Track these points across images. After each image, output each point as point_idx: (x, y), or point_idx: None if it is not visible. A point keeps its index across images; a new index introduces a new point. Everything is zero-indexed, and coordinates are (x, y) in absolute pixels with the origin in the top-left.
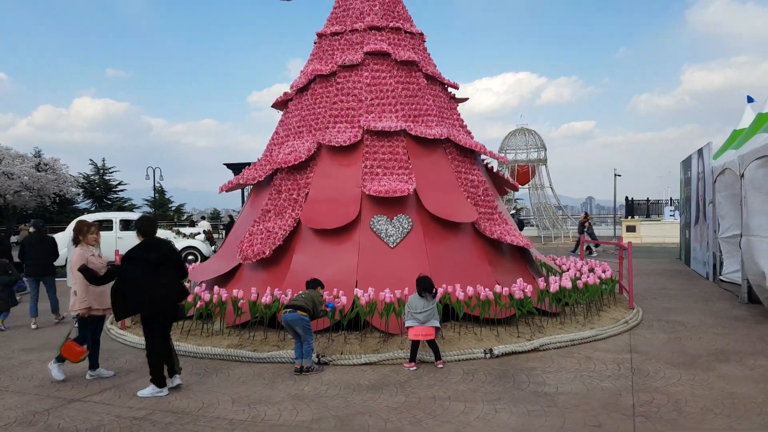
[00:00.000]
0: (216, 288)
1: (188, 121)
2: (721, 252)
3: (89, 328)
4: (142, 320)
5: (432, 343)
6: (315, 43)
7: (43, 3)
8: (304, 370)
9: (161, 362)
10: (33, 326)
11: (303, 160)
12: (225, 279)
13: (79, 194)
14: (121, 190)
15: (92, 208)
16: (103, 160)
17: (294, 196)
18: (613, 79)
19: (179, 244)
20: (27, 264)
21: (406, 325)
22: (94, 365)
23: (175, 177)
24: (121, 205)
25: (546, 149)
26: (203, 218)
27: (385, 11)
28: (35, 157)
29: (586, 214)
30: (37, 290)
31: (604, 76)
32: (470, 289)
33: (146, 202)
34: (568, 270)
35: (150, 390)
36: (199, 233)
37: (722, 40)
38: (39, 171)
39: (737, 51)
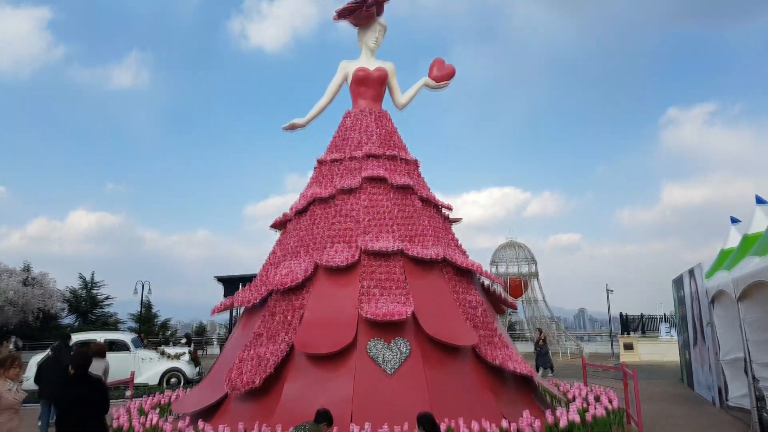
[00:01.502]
0: (200, 423)
1: (181, 233)
2: (724, 375)
3: None
4: None
5: None
6: (315, 168)
7: (49, 119)
8: None
9: None
10: None
11: (299, 281)
12: (210, 411)
13: (63, 309)
14: (108, 305)
15: (76, 324)
16: (92, 274)
17: (288, 318)
18: (595, 193)
19: (162, 365)
20: (41, 387)
21: None
22: None
23: (165, 288)
24: (106, 321)
25: (536, 263)
26: (187, 336)
27: (381, 141)
28: (23, 271)
29: (540, 330)
30: (49, 414)
31: (586, 191)
32: (475, 425)
33: (132, 317)
34: (573, 399)
35: None
36: (184, 353)
37: (698, 159)
38: (26, 285)
39: (713, 169)
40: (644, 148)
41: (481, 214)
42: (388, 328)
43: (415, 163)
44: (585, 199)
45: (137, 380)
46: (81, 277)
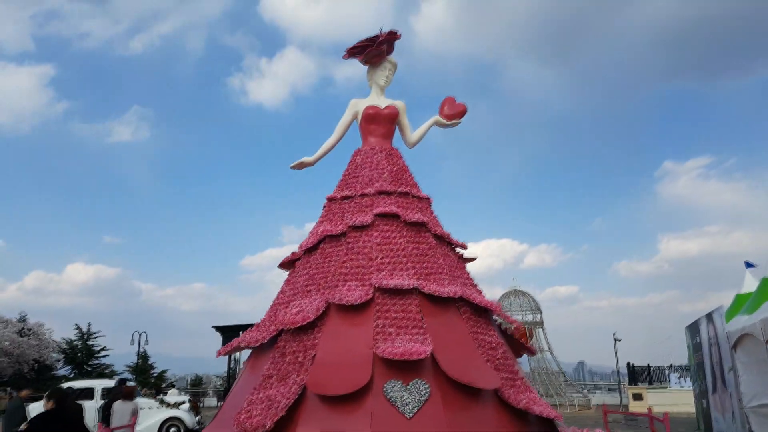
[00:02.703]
0: None
1: (178, 285)
2: (749, 422)
3: None
4: None
5: None
6: (324, 206)
7: (48, 172)
8: None
9: None
10: None
11: (311, 320)
12: None
13: (59, 360)
14: (104, 356)
15: (71, 375)
16: (89, 325)
17: (299, 359)
18: (591, 246)
19: (161, 414)
20: None
21: None
22: None
23: (161, 341)
24: (102, 372)
25: (541, 311)
26: (173, 385)
27: (393, 178)
28: (19, 321)
29: None
30: None
31: (582, 244)
32: None
33: (128, 368)
34: None
35: None
36: (183, 402)
37: (693, 211)
38: (21, 336)
39: (709, 221)
40: (640, 200)
41: (479, 264)
42: (405, 369)
43: (428, 200)
44: (581, 252)
45: (137, 429)
46: (77, 327)
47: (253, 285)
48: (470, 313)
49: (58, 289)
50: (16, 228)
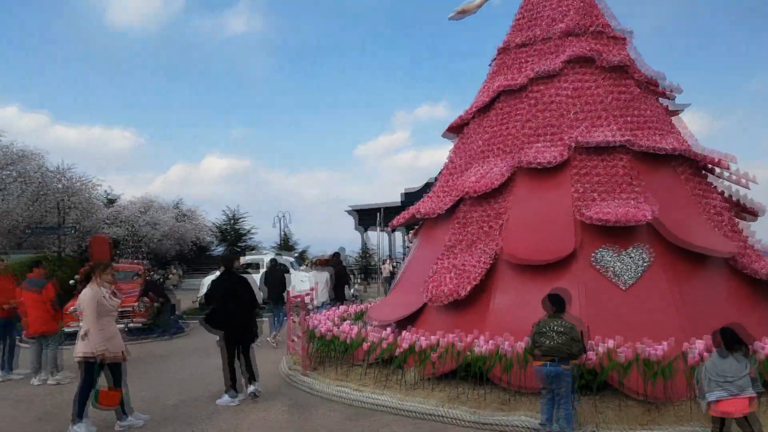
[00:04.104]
0: (408, 332)
1: (301, 173)
2: None
3: (99, 373)
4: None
5: (750, 420)
6: (494, 59)
7: (175, 69)
8: None
9: (234, 374)
10: (272, 342)
11: (495, 186)
12: (403, 323)
13: (212, 242)
14: (250, 238)
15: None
16: (237, 207)
17: (485, 228)
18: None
19: None
20: (269, 291)
21: (712, 397)
22: (125, 413)
23: (292, 226)
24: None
25: None
26: (390, 258)
27: (581, 15)
28: (175, 208)
29: None
30: (277, 312)
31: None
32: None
33: (273, 247)
34: None
35: (226, 399)
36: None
37: None
38: (178, 221)
39: None
40: None
41: None
42: (617, 236)
43: (624, 41)
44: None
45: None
46: (227, 209)
47: (369, 172)
48: (689, 173)
49: (199, 179)
50: (156, 126)
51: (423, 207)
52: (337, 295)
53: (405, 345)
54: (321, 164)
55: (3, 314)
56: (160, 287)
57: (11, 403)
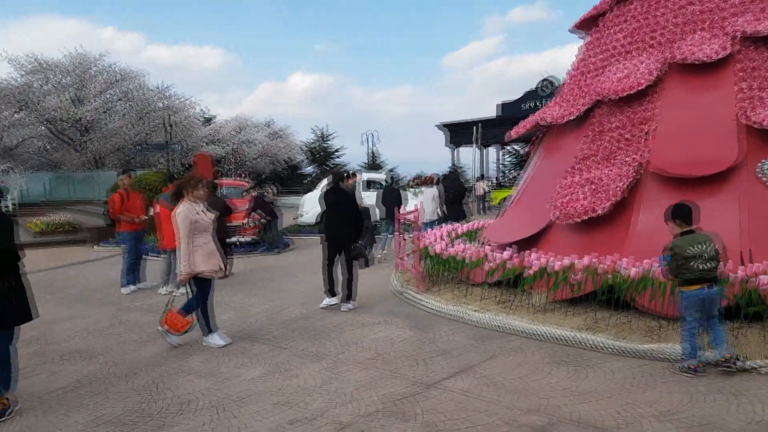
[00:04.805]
0: (536, 253)
1: (386, 89)
2: None
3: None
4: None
5: None
6: None
7: None
8: (729, 363)
9: (332, 278)
10: (380, 258)
11: (642, 87)
12: (526, 243)
13: (303, 161)
14: (339, 156)
15: (314, 173)
16: (326, 126)
17: (627, 136)
18: None
19: (414, 202)
20: (387, 209)
21: None
22: (210, 330)
23: (378, 144)
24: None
25: None
26: (483, 177)
27: None
28: (266, 126)
29: None
30: (391, 228)
31: None
32: None
33: (361, 166)
34: None
35: (325, 302)
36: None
37: None
38: (271, 140)
39: None
40: None
41: None
42: None
43: None
44: None
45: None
46: (317, 128)
47: (457, 83)
48: None
49: (285, 98)
50: (244, 43)
51: (549, 113)
52: (456, 214)
53: (536, 267)
54: (406, 78)
55: (135, 227)
56: (269, 204)
57: (142, 313)
